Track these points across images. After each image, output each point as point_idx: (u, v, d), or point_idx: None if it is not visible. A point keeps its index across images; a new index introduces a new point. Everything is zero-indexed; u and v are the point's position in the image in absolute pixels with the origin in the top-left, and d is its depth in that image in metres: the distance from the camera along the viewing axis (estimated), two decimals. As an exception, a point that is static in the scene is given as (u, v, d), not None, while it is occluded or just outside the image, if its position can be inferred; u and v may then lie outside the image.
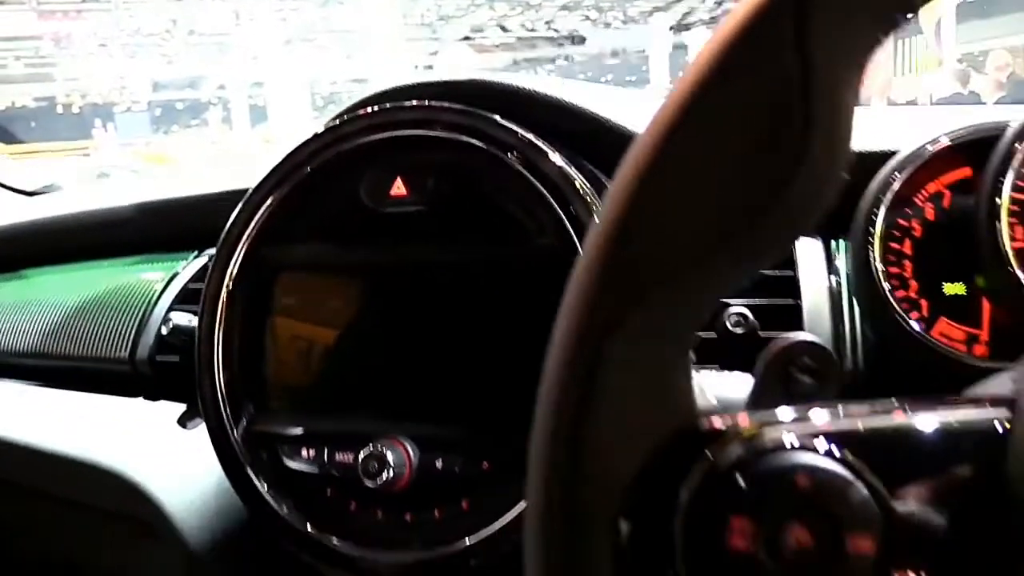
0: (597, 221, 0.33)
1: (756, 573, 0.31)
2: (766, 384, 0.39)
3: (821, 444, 0.32)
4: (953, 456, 0.33)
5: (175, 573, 0.87)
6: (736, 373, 0.47)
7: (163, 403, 0.88)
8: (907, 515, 0.32)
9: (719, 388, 0.43)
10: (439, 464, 0.68)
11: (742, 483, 0.31)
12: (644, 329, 0.32)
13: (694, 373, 0.35)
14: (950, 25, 10.54)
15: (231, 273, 0.75)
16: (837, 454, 0.32)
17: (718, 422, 0.34)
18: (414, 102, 0.72)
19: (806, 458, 0.31)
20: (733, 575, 0.31)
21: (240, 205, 0.76)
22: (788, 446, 0.32)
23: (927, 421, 0.33)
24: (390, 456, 0.67)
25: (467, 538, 0.65)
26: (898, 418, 0.34)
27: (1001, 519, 0.32)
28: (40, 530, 1.04)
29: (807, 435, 0.32)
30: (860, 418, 0.34)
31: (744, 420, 0.34)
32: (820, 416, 0.34)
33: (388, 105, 0.73)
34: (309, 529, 0.70)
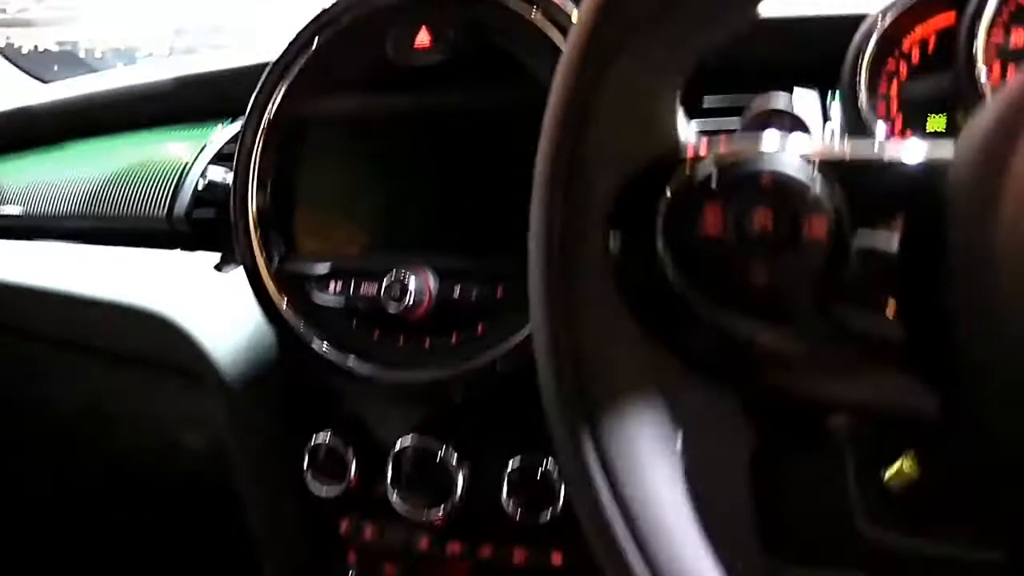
0: None
1: (726, 254, 0.36)
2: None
3: (790, 157, 0.37)
4: (905, 181, 0.38)
5: (214, 419, 0.92)
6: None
7: (199, 253, 0.94)
8: (862, 237, 0.37)
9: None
10: (457, 292, 0.73)
11: (715, 181, 0.37)
12: (635, 62, 0.38)
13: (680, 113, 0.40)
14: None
15: (264, 125, 0.80)
16: (803, 165, 0.37)
17: (699, 148, 0.39)
18: None
19: (774, 164, 0.37)
20: (707, 260, 0.37)
21: (273, 62, 0.81)
22: (760, 157, 0.37)
23: (888, 153, 0.38)
24: (412, 282, 0.72)
25: (482, 356, 0.71)
26: (863, 149, 0.38)
27: (941, 239, 0.37)
28: (80, 384, 1.11)
29: (778, 152, 0.38)
30: (827, 144, 0.39)
31: (723, 144, 0.39)
32: (792, 141, 0.39)
33: None
34: (335, 355, 0.76)
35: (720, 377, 0.39)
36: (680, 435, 0.37)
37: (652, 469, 0.36)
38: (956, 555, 0.60)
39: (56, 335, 1.05)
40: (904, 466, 0.58)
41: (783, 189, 0.36)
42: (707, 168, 0.37)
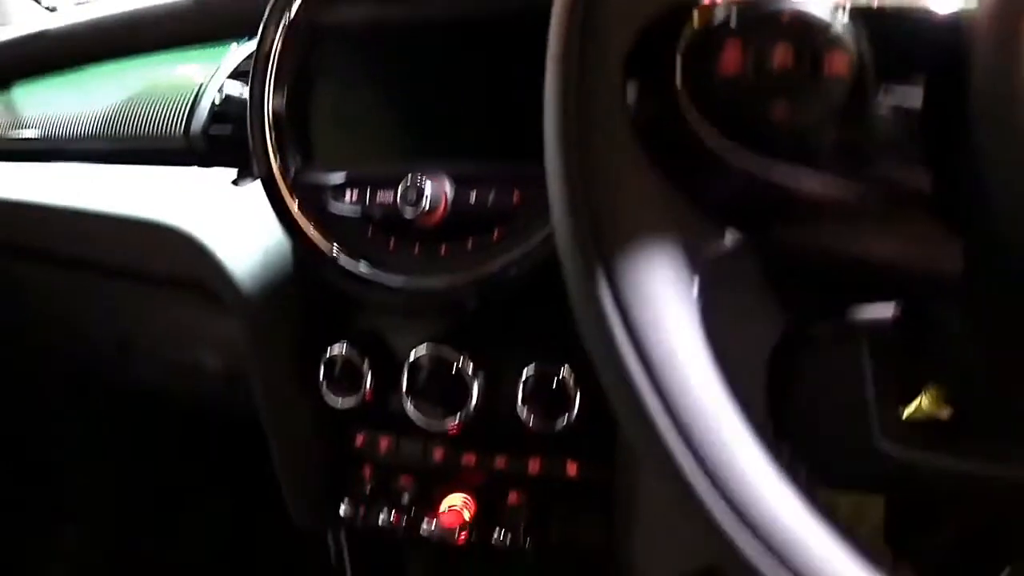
0: None
1: (746, 93, 0.35)
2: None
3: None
4: (931, 29, 0.37)
5: (231, 338, 0.92)
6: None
7: (216, 170, 0.94)
8: (887, 83, 0.36)
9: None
10: (473, 197, 0.72)
11: (734, 20, 0.36)
12: None
13: None
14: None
15: (282, 29, 0.80)
16: (826, 5, 0.36)
17: None
18: None
19: (796, 3, 0.36)
20: (727, 99, 0.36)
21: None
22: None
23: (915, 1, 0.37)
24: (428, 187, 0.72)
25: (496, 261, 0.71)
26: None
27: (965, 86, 0.36)
28: (98, 305, 1.12)
29: None
30: None
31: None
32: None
33: None
34: (351, 264, 0.76)
35: (739, 224, 0.38)
36: (696, 281, 0.37)
37: (666, 306, 0.35)
38: (983, 472, 0.59)
39: (76, 255, 1.06)
40: (923, 403, 0.57)
41: (804, 25, 0.35)
42: (727, 9, 0.37)
